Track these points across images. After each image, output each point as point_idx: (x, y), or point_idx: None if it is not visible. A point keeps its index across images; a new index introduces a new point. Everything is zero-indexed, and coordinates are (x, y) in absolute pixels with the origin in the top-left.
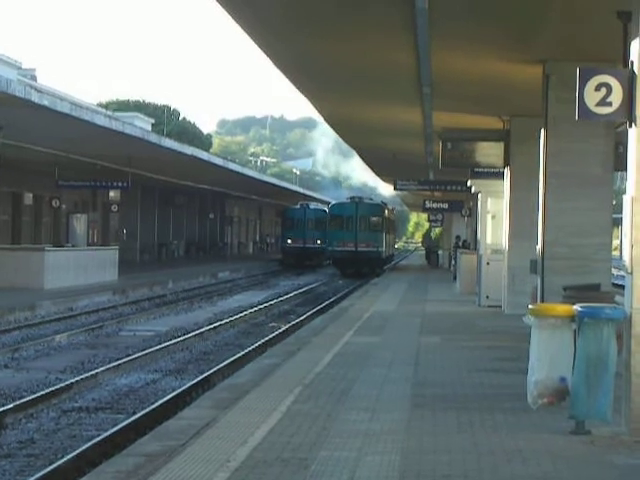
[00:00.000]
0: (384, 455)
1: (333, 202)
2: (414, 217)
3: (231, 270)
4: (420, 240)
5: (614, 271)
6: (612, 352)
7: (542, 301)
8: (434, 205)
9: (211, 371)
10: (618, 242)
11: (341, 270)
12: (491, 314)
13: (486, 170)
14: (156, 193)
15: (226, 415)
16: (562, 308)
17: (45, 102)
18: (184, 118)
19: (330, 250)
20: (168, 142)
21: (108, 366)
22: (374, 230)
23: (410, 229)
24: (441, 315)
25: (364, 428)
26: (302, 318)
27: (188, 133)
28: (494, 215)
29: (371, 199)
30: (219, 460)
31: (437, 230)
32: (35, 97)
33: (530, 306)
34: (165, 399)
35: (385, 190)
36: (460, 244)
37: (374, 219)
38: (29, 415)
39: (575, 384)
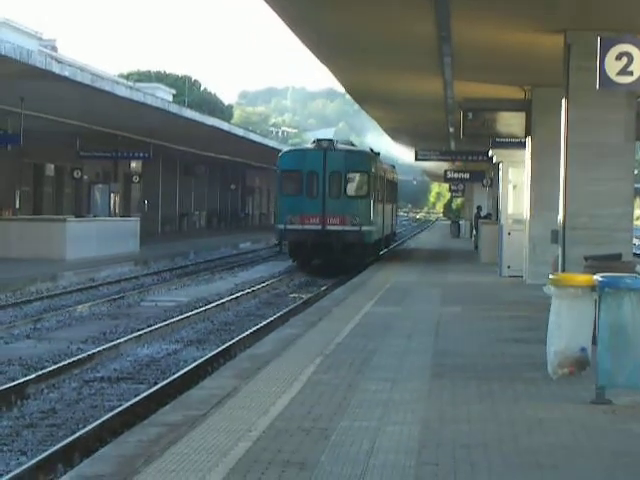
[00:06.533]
0: (404, 425)
1: (285, 149)
2: (435, 187)
3: (252, 241)
4: (442, 210)
5: (635, 241)
6: (635, 321)
7: (563, 271)
8: (455, 175)
9: (233, 341)
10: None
11: (299, 261)
12: (512, 284)
13: (507, 140)
14: (177, 164)
15: (247, 385)
16: (582, 278)
17: (66, 73)
18: (205, 89)
19: (280, 230)
20: (189, 113)
21: (130, 336)
22: (355, 196)
23: (432, 199)
24: (462, 285)
25: (384, 398)
26: (323, 289)
27: (209, 104)
28: (515, 185)
29: (352, 144)
30: (240, 430)
31: (458, 200)
32: (56, 68)
33: (550, 276)
34: (186, 369)
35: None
36: (481, 214)
37: (355, 177)
38: (51, 385)
39: (599, 354)
